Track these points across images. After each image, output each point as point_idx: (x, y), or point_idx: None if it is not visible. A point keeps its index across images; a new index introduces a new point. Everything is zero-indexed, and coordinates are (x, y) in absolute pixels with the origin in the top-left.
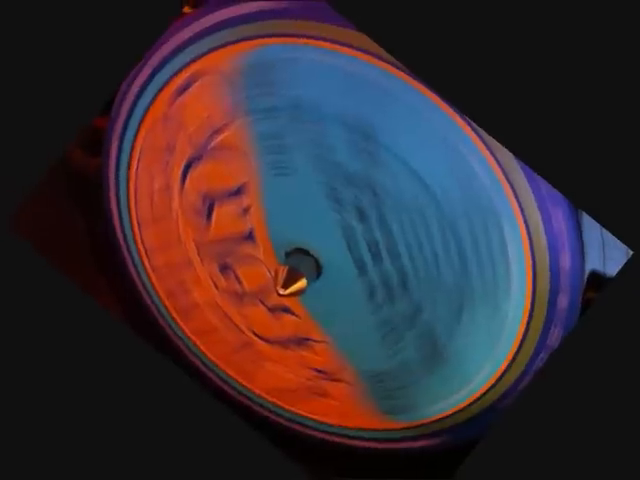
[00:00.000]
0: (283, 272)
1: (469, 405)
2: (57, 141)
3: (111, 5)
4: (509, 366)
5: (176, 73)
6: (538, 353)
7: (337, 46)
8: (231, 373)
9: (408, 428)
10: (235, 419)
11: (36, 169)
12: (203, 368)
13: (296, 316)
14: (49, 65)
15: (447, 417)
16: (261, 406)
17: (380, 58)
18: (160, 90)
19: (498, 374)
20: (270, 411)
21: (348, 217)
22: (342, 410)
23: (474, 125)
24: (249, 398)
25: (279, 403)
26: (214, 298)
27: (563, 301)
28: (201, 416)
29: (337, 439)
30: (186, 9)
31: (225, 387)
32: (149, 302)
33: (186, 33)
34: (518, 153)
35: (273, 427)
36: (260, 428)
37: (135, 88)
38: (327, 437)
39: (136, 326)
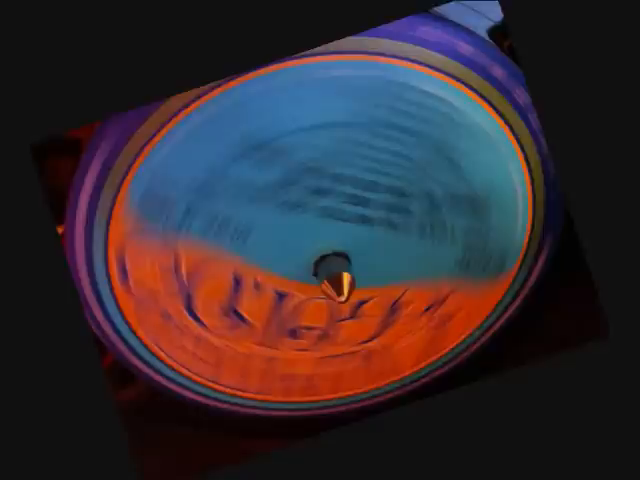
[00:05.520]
0: (328, 287)
1: (534, 209)
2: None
3: None
4: (525, 155)
5: (106, 267)
6: (527, 119)
7: (174, 120)
8: (381, 383)
9: (520, 268)
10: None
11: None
12: (358, 404)
13: (371, 299)
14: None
15: (531, 233)
16: (424, 376)
17: (204, 93)
18: (113, 292)
19: (525, 171)
20: (442, 366)
21: (314, 204)
22: (473, 309)
23: (317, 51)
24: (415, 380)
25: (433, 359)
26: (313, 357)
27: (497, 70)
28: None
29: (493, 330)
30: (59, 228)
31: (393, 394)
32: (289, 413)
33: (78, 239)
34: (360, 30)
35: (455, 372)
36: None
37: (95, 309)
38: (482, 340)
39: (294, 434)
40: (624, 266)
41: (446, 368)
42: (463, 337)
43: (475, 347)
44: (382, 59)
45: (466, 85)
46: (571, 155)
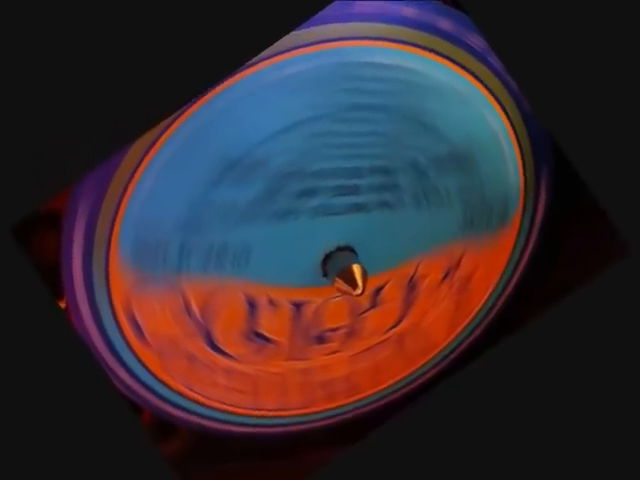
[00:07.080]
0: (341, 283)
1: (520, 147)
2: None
3: None
4: (496, 97)
5: (119, 328)
6: (488, 62)
7: (144, 161)
8: (420, 363)
9: (524, 210)
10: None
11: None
12: (405, 389)
13: (386, 284)
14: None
15: (525, 171)
16: (460, 344)
17: (167, 127)
18: (132, 350)
19: (500, 113)
20: (471, 334)
21: (304, 207)
22: (490, 264)
23: (265, 55)
24: (450, 352)
25: (464, 324)
26: (346, 357)
27: (445, 23)
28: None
29: (514, 284)
30: (61, 303)
31: (433, 372)
32: (334, 420)
33: (83, 307)
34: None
35: (487, 337)
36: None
37: (119, 371)
38: (507, 292)
39: (345, 440)
40: (625, 180)
41: (479, 331)
42: (487, 295)
43: (501, 303)
44: (327, 45)
45: (418, 46)
46: (543, 85)
